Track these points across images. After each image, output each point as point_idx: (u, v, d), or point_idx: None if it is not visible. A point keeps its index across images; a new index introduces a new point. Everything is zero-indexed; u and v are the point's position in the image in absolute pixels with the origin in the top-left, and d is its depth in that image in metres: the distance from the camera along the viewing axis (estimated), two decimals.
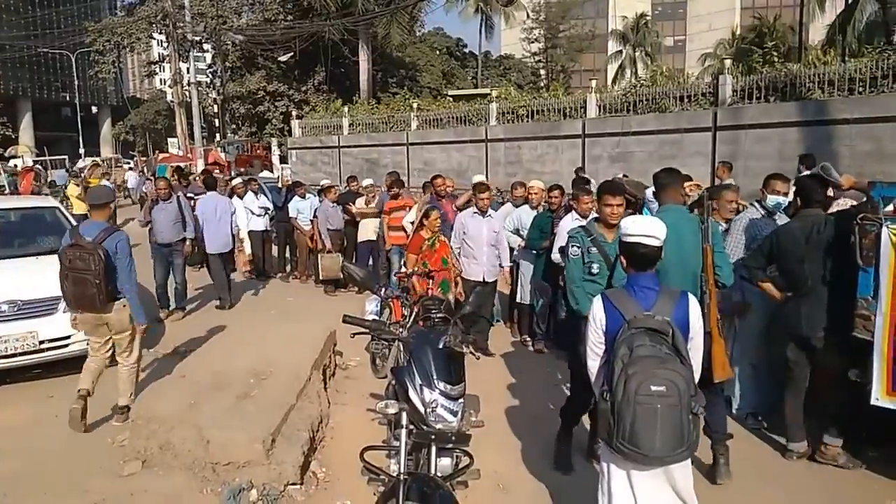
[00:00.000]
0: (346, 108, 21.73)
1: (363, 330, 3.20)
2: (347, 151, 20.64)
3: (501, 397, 5.72)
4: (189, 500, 3.84)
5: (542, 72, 47.20)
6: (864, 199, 4.09)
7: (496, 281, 7.13)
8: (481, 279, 6.77)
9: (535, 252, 7.01)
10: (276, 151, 27.79)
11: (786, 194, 5.03)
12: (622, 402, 2.64)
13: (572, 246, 4.18)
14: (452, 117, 17.94)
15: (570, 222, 6.19)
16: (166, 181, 9.24)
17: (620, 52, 49.06)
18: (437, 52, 43.33)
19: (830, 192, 4.72)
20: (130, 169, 32.03)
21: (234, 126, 36.96)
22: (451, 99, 21.35)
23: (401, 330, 3.46)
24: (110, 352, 5.26)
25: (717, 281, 3.97)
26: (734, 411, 5.13)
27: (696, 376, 2.81)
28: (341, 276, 9.09)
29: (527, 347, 7.25)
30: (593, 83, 15.43)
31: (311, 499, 4.07)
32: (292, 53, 29.24)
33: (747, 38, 34.93)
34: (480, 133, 16.74)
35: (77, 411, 4.94)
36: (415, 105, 19.39)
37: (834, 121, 10.45)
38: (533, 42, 46.68)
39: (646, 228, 2.86)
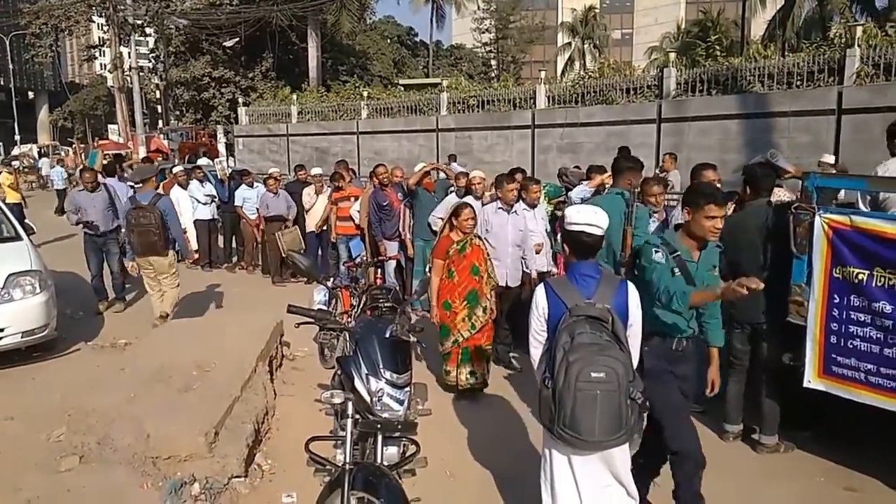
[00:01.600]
0: (294, 96, 21.39)
1: (308, 320, 3.16)
2: (296, 140, 20.33)
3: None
4: (129, 495, 3.73)
5: (493, 62, 47.33)
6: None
7: (521, 287, 6.22)
8: (504, 283, 5.99)
9: None
10: (222, 139, 27.14)
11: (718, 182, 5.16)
12: (563, 388, 2.68)
13: (656, 252, 3.28)
14: (403, 106, 17.85)
15: (493, 210, 6.18)
16: (93, 173, 8.84)
17: (570, 44, 49.57)
18: (388, 41, 42.97)
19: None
20: (44, 156, 30.71)
21: (177, 113, 35.89)
22: (402, 88, 21.25)
23: (349, 320, 3.43)
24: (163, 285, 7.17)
25: None
26: None
27: (635, 362, 2.87)
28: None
29: None
30: (542, 74, 15.56)
31: (257, 491, 4.01)
32: (238, 39, 28.53)
33: (692, 31, 35.70)
34: (431, 123, 16.71)
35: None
36: (365, 94, 19.22)
37: (773, 113, 10.79)
38: (484, 32, 46.73)
39: (589, 217, 2.88)
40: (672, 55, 13.74)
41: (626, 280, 2.98)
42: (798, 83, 10.90)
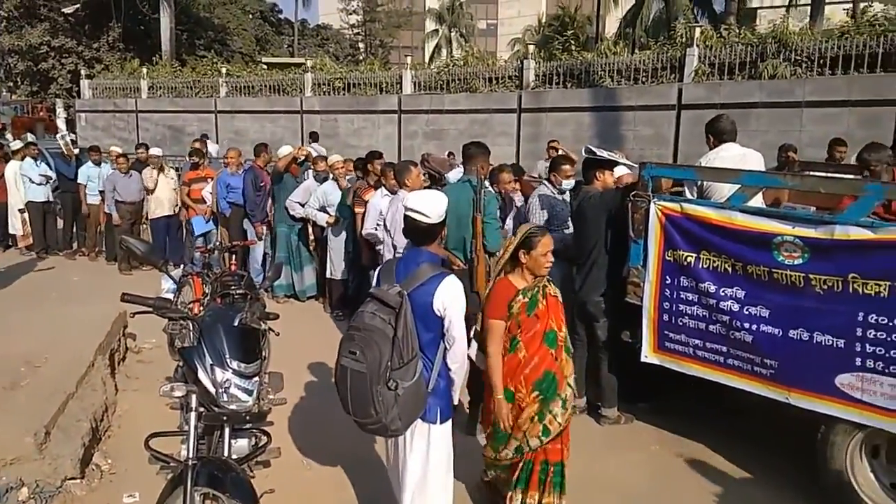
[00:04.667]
0: (144, 70, 19.97)
1: (145, 309, 2.97)
2: (147, 117, 19.03)
3: (309, 373, 5.64)
4: None
5: (361, 45, 46.73)
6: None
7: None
8: None
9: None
10: (61, 114, 24.84)
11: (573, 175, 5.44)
12: (336, 366, 2.74)
13: None
14: (265, 85, 17.22)
15: (379, 198, 6.20)
16: None
17: (437, 31, 49.94)
18: (251, 16, 41.07)
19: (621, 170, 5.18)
20: None
21: (10, 84, 32.37)
22: (264, 66, 20.45)
23: (200, 308, 3.26)
24: None
25: (484, 246, 4.33)
26: None
27: (458, 350, 2.85)
28: None
29: (339, 322, 7.21)
30: (409, 59, 15.58)
31: (95, 493, 3.75)
32: (79, 6, 26.13)
33: (552, 25, 37.11)
34: (295, 104, 16.26)
35: None
36: (223, 70, 18.32)
37: (621, 107, 11.50)
38: (351, 14, 45.96)
39: (418, 204, 2.85)
40: (531, 48, 14.23)
41: (449, 273, 2.86)
42: (644, 79, 11.67)
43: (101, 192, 9.64)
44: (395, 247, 5.36)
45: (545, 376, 3.23)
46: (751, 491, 3.92)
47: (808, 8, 17.04)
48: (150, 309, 2.95)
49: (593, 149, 4.76)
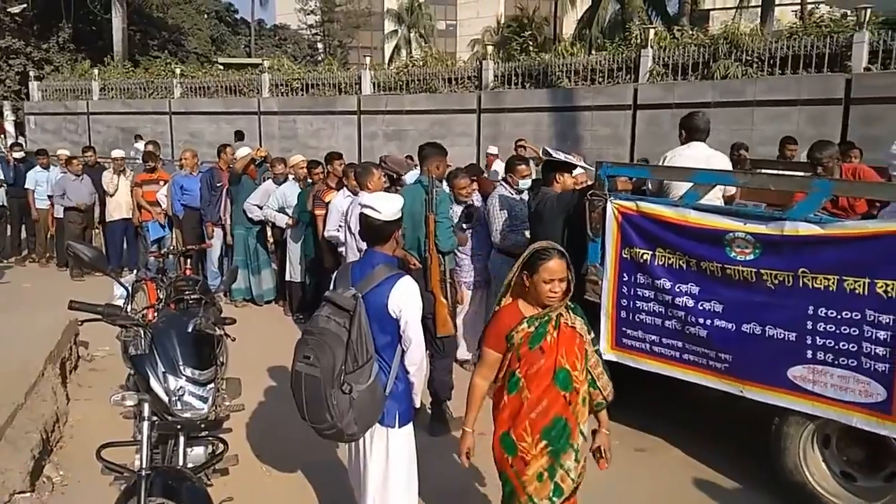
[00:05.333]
0: (96, 71, 19.43)
1: (94, 316, 2.88)
2: (99, 119, 18.52)
3: (269, 378, 5.56)
4: None
5: (320, 45, 46.31)
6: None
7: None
8: None
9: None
10: (9, 117, 24.01)
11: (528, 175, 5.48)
12: (291, 371, 2.72)
13: None
14: (222, 86, 16.92)
15: (341, 199, 6.15)
16: None
17: (396, 31, 49.79)
18: (206, 16, 40.38)
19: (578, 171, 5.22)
20: None
21: None
22: (220, 67, 20.11)
23: (154, 314, 3.18)
24: None
25: (437, 246, 4.39)
26: None
27: (415, 353, 2.83)
28: None
29: (300, 325, 7.12)
30: (368, 60, 15.50)
31: None
32: (26, 5, 25.33)
33: (511, 26, 37.36)
34: (252, 105, 16.02)
35: None
36: (178, 71, 17.96)
37: (579, 107, 11.63)
38: (309, 14, 45.53)
39: (372, 201, 2.85)
40: (490, 48, 14.29)
41: (404, 274, 2.85)
42: (600, 80, 11.82)
43: (50, 197, 9.38)
44: (359, 250, 5.25)
45: (555, 423, 2.65)
46: (709, 483, 3.99)
47: (759, 10, 17.47)
48: (99, 316, 2.87)
49: (550, 151, 4.80)
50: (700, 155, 4.46)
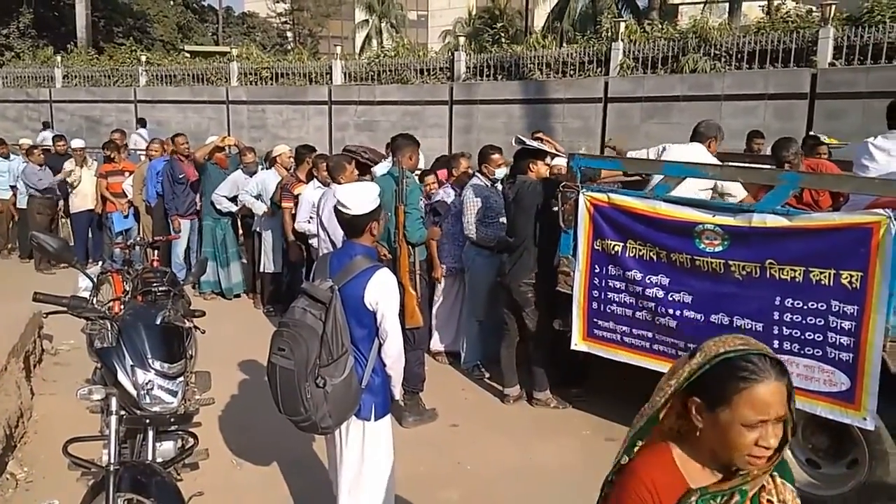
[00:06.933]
0: (59, 58, 18.95)
1: (59, 308, 2.81)
2: (62, 107, 18.09)
3: (239, 371, 5.49)
4: None
5: (290, 34, 45.72)
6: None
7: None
8: None
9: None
10: None
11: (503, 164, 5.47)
12: (267, 364, 2.70)
13: None
14: (189, 74, 16.63)
15: (311, 191, 6.09)
16: None
17: (367, 21, 49.37)
18: (172, 3, 39.58)
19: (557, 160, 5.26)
20: None
21: None
22: (187, 55, 19.75)
23: (121, 307, 3.12)
24: None
25: (406, 237, 4.39)
26: (462, 364, 5.57)
27: (392, 345, 2.82)
28: None
29: (271, 318, 7.04)
30: (339, 49, 15.36)
31: (9, 503, 3.54)
32: None
33: (483, 17, 37.29)
34: (220, 94, 15.79)
35: None
36: (143, 58, 17.60)
37: (550, 100, 11.67)
38: (278, 2, 44.92)
39: (343, 196, 2.81)
40: (462, 40, 14.26)
41: (381, 266, 2.83)
42: (572, 73, 11.88)
43: (13, 187, 9.13)
44: (333, 242, 5.19)
45: None
46: None
47: (727, 4, 17.70)
48: (64, 308, 2.80)
49: (522, 138, 4.81)
50: (690, 154, 4.50)
